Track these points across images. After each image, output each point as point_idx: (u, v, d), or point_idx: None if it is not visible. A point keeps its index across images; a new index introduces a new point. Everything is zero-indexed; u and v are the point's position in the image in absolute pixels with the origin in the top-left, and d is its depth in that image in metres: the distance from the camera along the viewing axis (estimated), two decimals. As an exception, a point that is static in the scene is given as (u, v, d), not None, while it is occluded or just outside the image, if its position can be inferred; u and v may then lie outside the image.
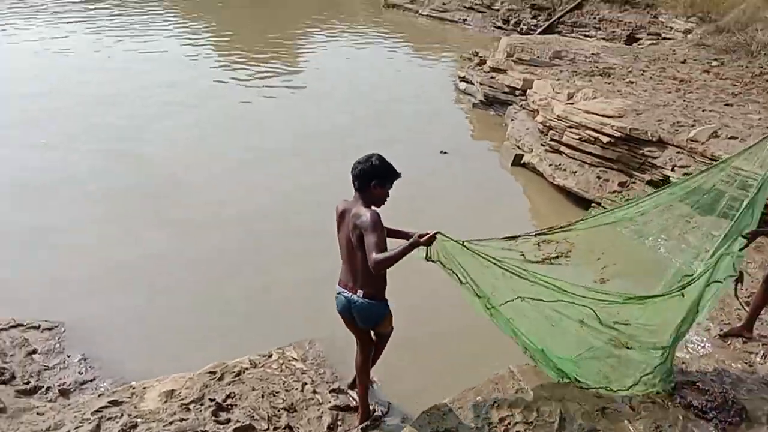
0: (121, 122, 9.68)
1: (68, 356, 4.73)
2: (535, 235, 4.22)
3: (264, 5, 21.43)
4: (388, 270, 3.65)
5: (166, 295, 5.61)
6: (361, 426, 4.06)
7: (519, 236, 3.95)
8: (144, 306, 5.45)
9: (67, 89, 11.09)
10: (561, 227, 4.27)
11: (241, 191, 7.77)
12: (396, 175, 3.71)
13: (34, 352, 4.73)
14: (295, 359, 4.63)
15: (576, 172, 7.97)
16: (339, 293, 3.83)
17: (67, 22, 16.01)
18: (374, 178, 3.62)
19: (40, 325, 4.99)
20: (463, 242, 3.59)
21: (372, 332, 4.02)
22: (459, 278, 3.69)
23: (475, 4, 19.72)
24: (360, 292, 3.71)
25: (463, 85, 12.43)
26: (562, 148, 8.32)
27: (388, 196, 3.75)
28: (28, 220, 6.75)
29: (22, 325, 4.98)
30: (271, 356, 4.62)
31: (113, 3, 18.69)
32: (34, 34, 14.92)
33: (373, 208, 3.61)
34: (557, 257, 3.95)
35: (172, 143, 9.09)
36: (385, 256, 3.39)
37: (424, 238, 3.49)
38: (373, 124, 9.96)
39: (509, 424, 3.71)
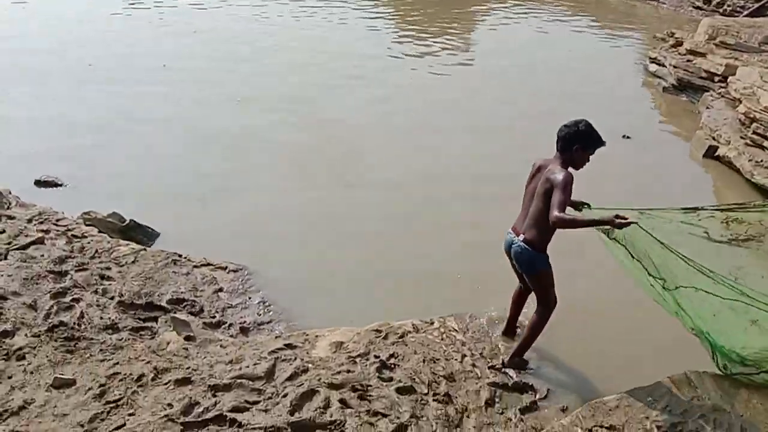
0: (311, 90, 10.11)
1: (249, 298, 5.12)
2: (722, 210, 3.92)
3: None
4: (560, 232, 3.81)
5: (338, 250, 5.87)
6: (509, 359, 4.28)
7: (702, 208, 3.71)
8: (317, 259, 5.75)
9: (256, 53, 11.85)
10: (755, 205, 3.92)
11: (418, 156, 7.96)
12: (600, 143, 3.81)
13: (221, 290, 5.16)
14: (456, 330, 4.64)
15: (780, 170, 7.16)
16: (507, 233, 4.08)
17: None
18: (578, 142, 3.77)
19: (227, 267, 5.43)
20: (657, 239, 3.50)
21: (534, 293, 4.13)
22: (631, 254, 3.63)
23: (673, -19, 18.20)
24: (521, 236, 3.92)
25: (653, 67, 11.56)
26: (766, 143, 7.51)
27: (588, 161, 3.86)
28: (220, 167, 7.37)
29: (212, 265, 5.45)
30: (432, 323, 4.67)
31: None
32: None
33: (569, 169, 3.73)
34: (747, 240, 3.57)
35: (356, 112, 9.38)
36: (570, 217, 3.59)
37: (622, 221, 3.47)
38: (552, 103, 9.60)
39: (681, 431, 3.47)
